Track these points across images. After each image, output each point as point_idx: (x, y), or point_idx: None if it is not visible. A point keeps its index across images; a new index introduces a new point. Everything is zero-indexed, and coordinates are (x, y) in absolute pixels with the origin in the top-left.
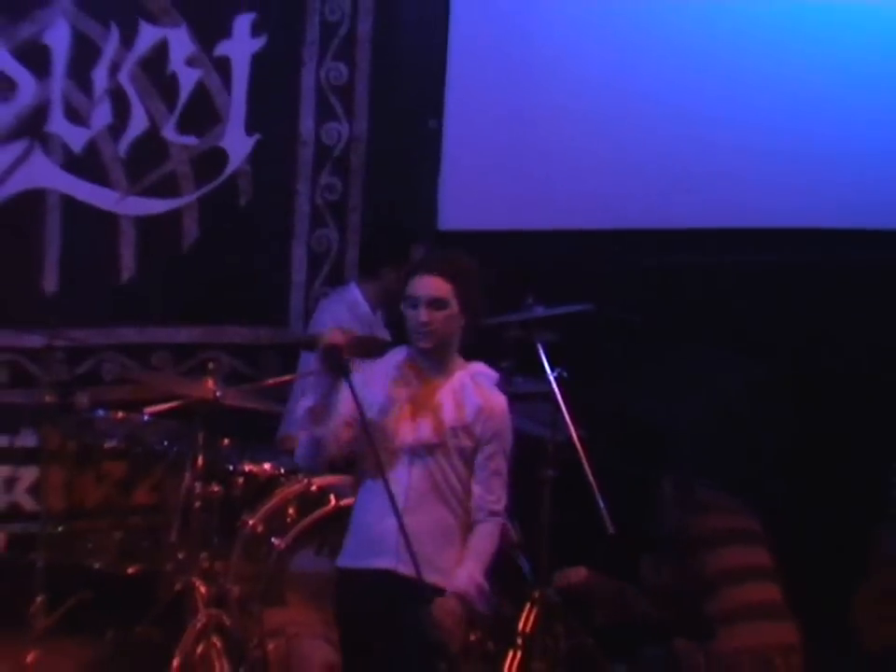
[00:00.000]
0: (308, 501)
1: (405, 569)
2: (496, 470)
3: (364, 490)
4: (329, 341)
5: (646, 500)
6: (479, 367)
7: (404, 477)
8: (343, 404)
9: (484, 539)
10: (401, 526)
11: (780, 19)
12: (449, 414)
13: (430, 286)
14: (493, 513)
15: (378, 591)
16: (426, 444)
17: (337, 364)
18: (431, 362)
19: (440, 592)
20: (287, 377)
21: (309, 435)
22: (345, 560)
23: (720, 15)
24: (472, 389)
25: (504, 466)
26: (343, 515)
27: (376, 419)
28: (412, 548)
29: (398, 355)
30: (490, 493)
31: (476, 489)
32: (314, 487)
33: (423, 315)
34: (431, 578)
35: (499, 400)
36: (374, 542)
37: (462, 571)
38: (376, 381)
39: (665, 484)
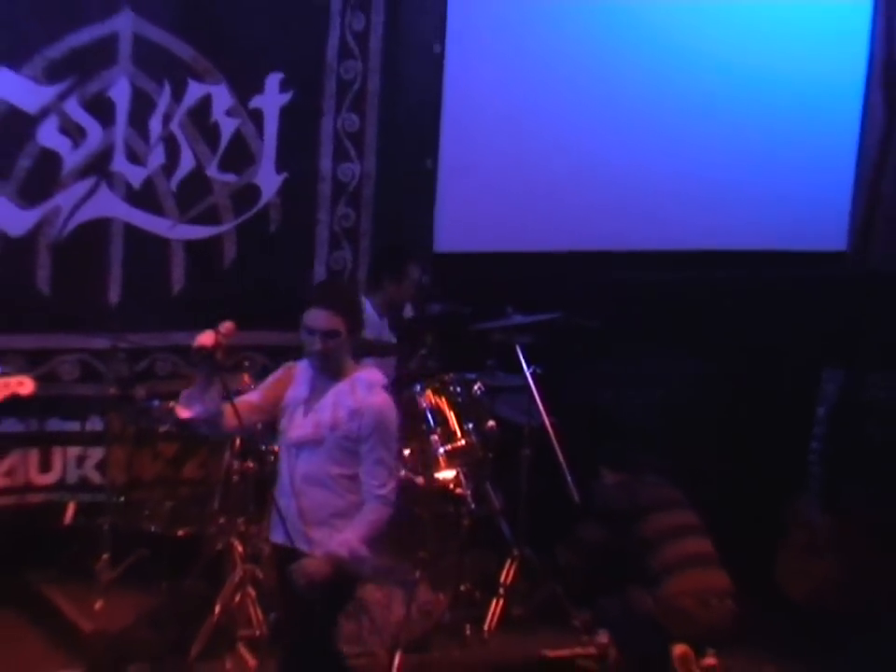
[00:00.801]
0: None
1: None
2: (377, 460)
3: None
4: (199, 342)
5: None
6: (362, 374)
7: (291, 466)
8: (261, 392)
9: (366, 514)
10: (278, 508)
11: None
12: (326, 416)
13: (324, 320)
14: (376, 496)
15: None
16: (306, 440)
17: (206, 361)
18: (325, 372)
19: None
20: None
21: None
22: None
23: (664, 82)
24: (349, 394)
25: (386, 454)
26: None
27: (284, 416)
28: (285, 523)
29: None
30: (373, 479)
31: (362, 477)
32: None
33: (318, 344)
34: (315, 550)
35: (374, 401)
36: (277, 520)
37: (338, 537)
38: (297, 383)
39: (604, 471)
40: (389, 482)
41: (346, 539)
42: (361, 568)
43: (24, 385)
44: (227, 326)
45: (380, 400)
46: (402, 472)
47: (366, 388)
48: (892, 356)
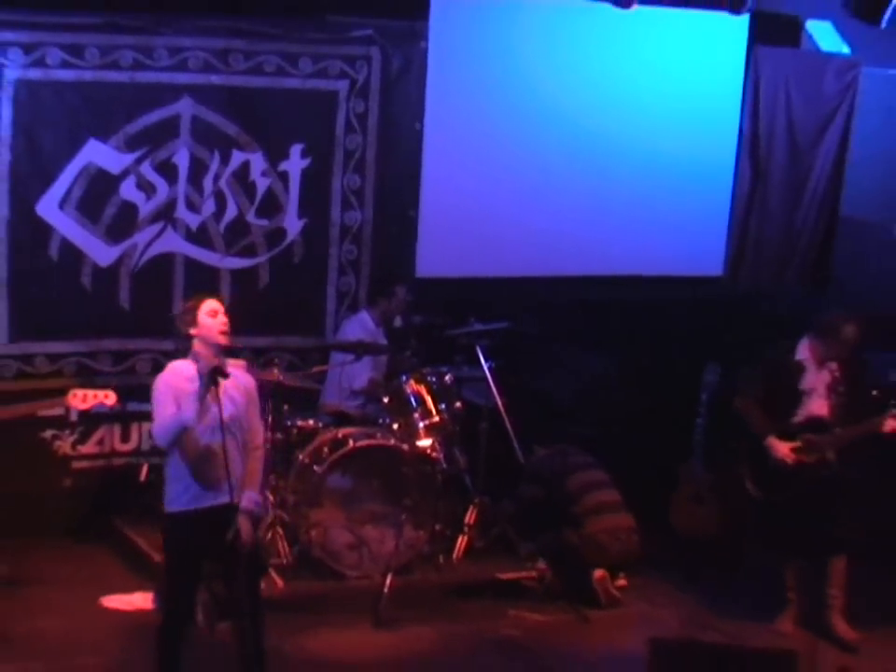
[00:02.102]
0: (336, 443)
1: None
2: (253, 419)
3: None
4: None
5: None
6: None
7: None
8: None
9: (254, 464)
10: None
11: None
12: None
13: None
14: (255, 447)
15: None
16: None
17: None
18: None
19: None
20: (322, 367)
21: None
22: None
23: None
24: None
25: (257, 415)
26: (358, 453)
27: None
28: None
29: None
30: (253, 434)
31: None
32: (340, 435)
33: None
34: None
35: (245, 380)
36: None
37: (245, 495)
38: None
39: (535, 448)
40: (261, 434)
41: (250, 496)
42: (262, 513)
43: (109, 398)
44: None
45: (249, 379)
46: (393, 441)
47: (240, 372)
48: (754, 353)
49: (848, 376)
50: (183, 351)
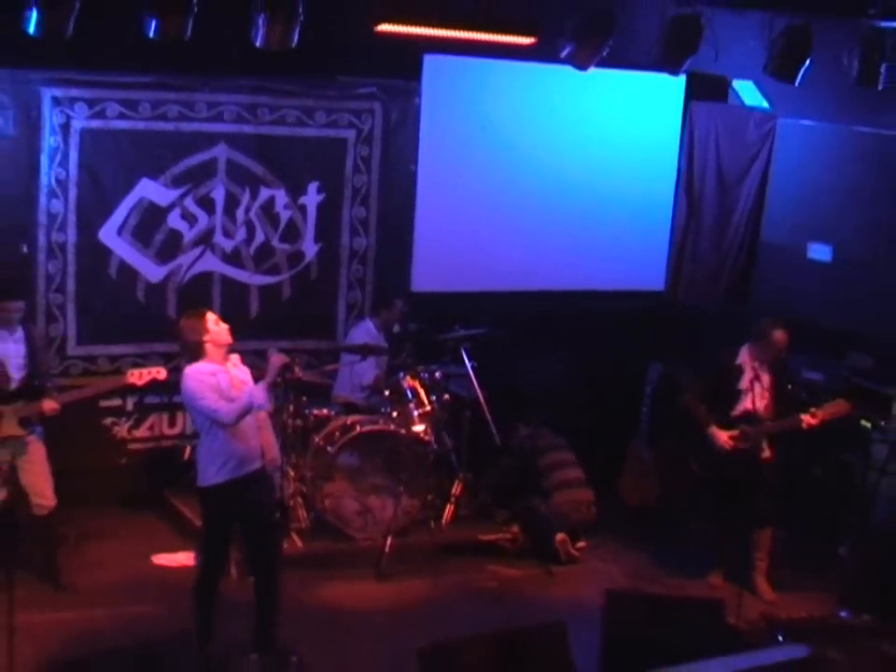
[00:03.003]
0: (346, 428)
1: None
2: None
3: None
4: (281, 361)
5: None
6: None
7: None
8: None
9: (270, 434)
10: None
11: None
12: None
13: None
14: (265, 422)
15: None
16: None
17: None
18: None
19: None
20: (334, 366)
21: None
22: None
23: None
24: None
25: None
26: (364, 437)
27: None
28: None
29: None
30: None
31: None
32: (349, 422)
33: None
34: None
35: (245, 371)
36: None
37: (271, 458)
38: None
39: (520, 427)
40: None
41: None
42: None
43: (160, 373)
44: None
45: (246, 370)
46: (393, 426)
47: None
48: (689, 354)
49: (776, 377)
50: (191, 356)
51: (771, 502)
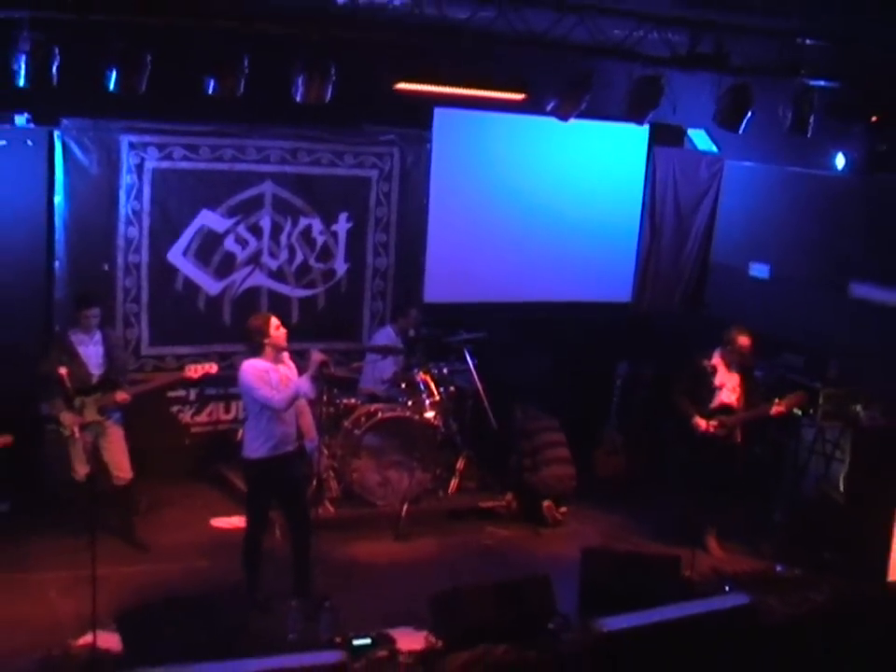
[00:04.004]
0: (370, 415)
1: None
2: None
3: None
4: (320, 359)
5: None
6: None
7: None
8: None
9: (308, 419)
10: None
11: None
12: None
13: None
14: (304, 409)
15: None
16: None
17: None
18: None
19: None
20: (359, 364)
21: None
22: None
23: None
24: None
25: None
26: (384, 422)
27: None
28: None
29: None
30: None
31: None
32: (372, 409)
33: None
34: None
35: (292, 368)
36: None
37: (308, 441)
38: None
39: (516, 410)
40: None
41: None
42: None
43: (212, 368)
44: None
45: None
46: (408, 413)
47: (288, 359)
48: (651, 354)
49: (744, 375)
50: (252, 352)
51: (739, 479)
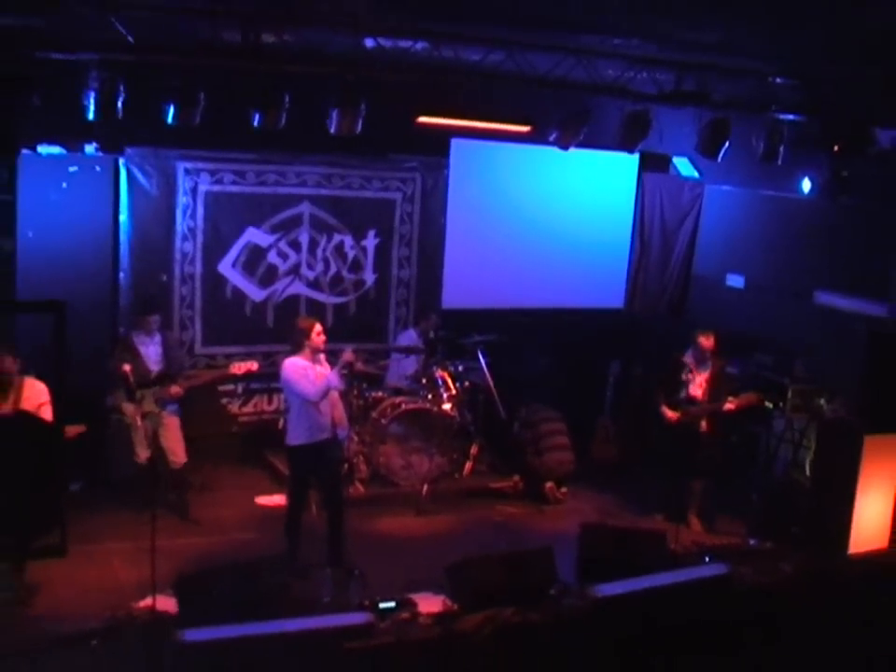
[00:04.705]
0: (395, 406)
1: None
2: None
3: None
4: (347, 358)
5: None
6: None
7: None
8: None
9: (341, 411)
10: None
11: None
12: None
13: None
14: (336, 402)
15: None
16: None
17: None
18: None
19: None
20: (385, 362)
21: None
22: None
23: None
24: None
25: None
26: (407, 413)
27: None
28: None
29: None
30: (335, 395)
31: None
32: (397, 401)
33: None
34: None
35: (328, 367)
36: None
37: (341, 430)
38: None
39: (522, 404)
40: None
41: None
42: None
43: (254, 365)
44: (349, 353)
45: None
46: (428, 405)
47: (323, 360)
48: (641, 354)
49: (714, 372)
50: (293, 350)
51: (705, 462)
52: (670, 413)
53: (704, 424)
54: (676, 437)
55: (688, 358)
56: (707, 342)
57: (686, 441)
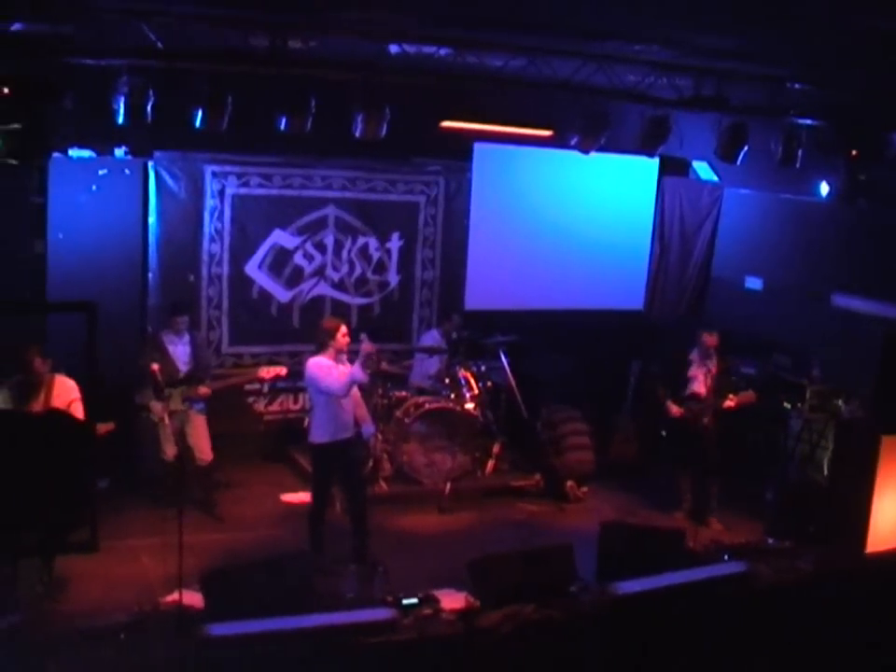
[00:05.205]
0: (418, 406)
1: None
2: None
3: None
4: (367, 349)
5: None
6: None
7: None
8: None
9: (364, 410)
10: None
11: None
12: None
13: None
14: (359, 400)
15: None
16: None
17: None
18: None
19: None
20: (409, 361)
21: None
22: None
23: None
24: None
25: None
26: (430, 412)
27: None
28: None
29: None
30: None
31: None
32: (420, 401)
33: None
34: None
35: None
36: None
37: (365, 427)
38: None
39: (544, 405)
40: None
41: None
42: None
43: (282, 371)
44: (367, 344)
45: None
46: (451, 405)
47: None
48: (659, 355)
49: (719, 370)
50: (318, 348)
51: (711, 457)
52: (675, 409)
53: (706, 421)
54: (680, 433)
55: (693, 356)
56: (710, 339)
57: (690, 435)
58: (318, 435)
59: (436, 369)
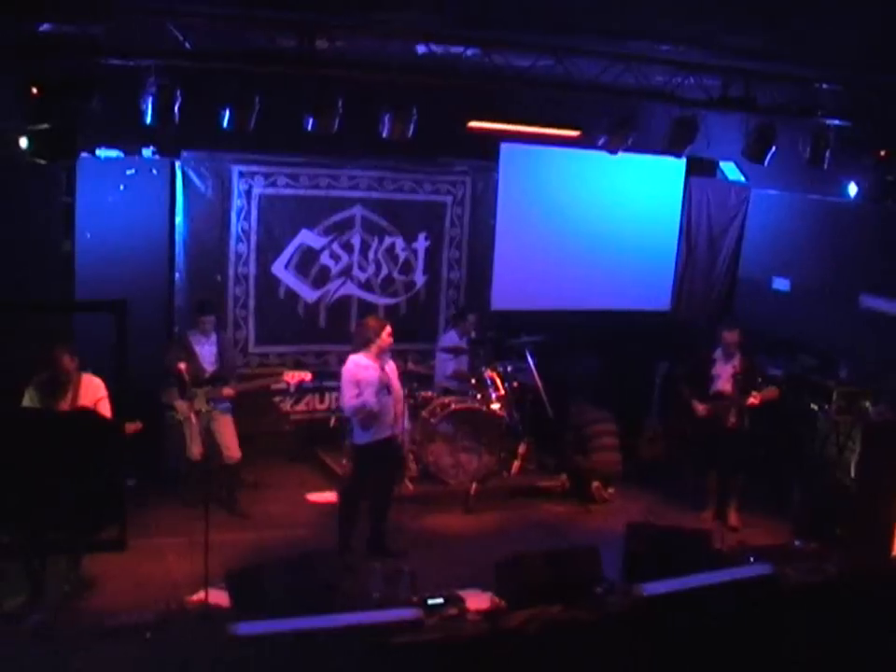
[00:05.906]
0: (444, 406)
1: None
2: (398, 387)
3: None
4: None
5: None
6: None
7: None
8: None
9: (402, 408)
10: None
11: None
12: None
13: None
14: (399, 399)
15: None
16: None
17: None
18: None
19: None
20: (433, 362)
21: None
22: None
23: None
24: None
25: (399, 385)
26: (456, 412)
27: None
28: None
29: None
30: (399, 395)
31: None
32: (446, 401)
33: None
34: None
35: (392, 366)
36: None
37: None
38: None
39: (570, 404)
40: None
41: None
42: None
43: (307, 376)
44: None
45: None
46: (477, 405)
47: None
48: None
49: (743, 368)
50: (359, 346)
51: (736, 455)
52: (700, 408)
53: (732, 419)
54: (707, 432)
55: (717, 355)
56: (731, 336)
57: (716, 436)
58: (359, 436)
59: (452, 369)
